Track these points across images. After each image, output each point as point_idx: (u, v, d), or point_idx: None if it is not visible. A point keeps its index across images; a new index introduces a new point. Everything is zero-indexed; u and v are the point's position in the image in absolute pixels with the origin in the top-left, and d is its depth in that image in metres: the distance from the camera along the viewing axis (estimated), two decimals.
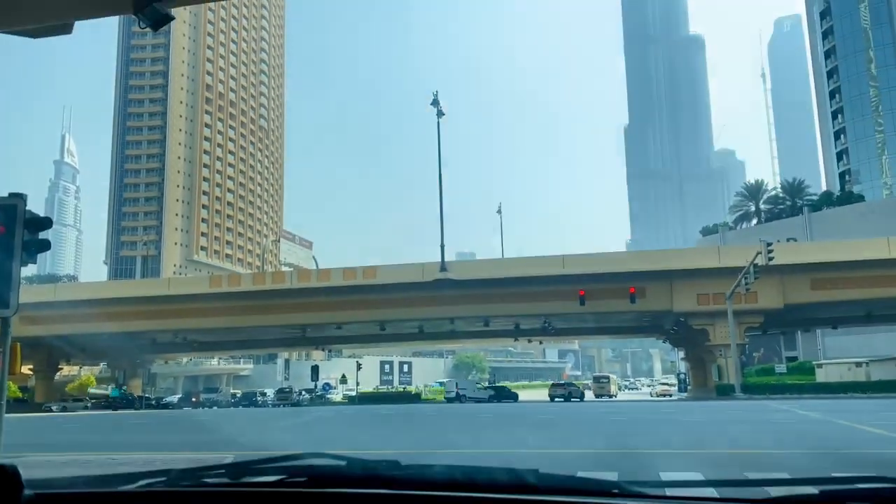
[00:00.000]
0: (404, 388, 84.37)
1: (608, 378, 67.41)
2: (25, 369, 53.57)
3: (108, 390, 70.48)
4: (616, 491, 1.16)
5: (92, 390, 70.16)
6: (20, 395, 57.97)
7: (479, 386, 55.32)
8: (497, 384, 61.09)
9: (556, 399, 51.77)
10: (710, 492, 1.39)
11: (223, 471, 1.20)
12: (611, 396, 60.78)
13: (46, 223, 8.55)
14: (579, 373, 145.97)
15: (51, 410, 50.51)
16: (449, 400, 51.84)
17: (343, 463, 1.20)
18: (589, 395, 59.62)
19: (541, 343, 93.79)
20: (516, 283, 49.09)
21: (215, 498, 1.12)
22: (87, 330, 52.07)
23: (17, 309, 7.84)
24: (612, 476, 10.55)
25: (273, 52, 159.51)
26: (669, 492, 1.36)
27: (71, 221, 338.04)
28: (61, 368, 67.52)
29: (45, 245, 8.53)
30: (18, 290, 7.82)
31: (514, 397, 52.77)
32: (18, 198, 8.02)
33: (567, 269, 48.83)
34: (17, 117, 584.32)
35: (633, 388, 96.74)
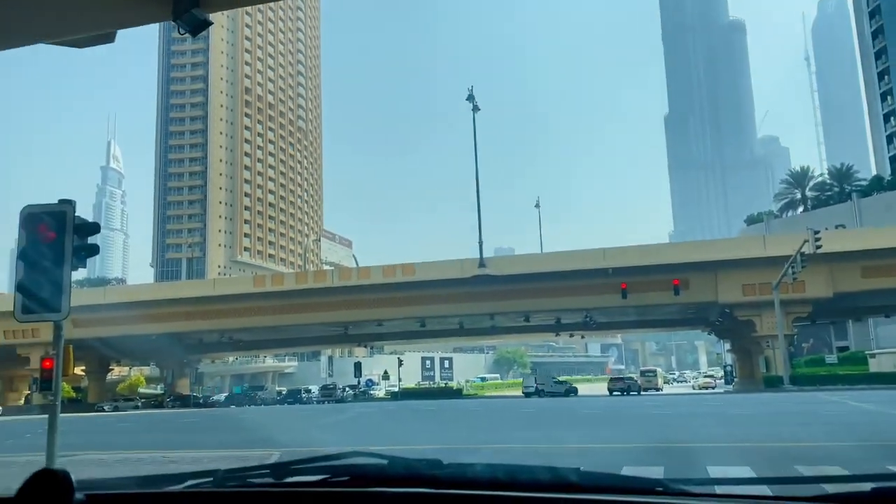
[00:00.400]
0: (446, 384, 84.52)
1: (654, 372, 68.57)
2: (78, 370, 55.18)
3: (159, 389, 72.28)
4: (660, 489, 1.13)
5: (142, 390, 72.02)
6: (74, 395, 59.76)
7: (554, 381, 56.46)
8: (560, 379, 61.76)
9: (615, 392, 52.91)
10: (763, 489, 1.33)
11: (268, 471, 1.22)
12: (657, 390, 60.73)
13: (95, 228, 8.75)
14: (623, 366, 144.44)
15: (103, 410, 51.96)
16: (527, 394, 52.72)
17: (385, 462, 1.21)
18: None
19: (583, 337, 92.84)
20: (556, 278, 48.80)
21: (260, 498, 1.15)
22: (136, 331, 53.43)
23: (68, 313, 8.05)
24: (658, 471, 10.41)
25: (309, 52, 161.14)
26: (718, 489, 1.32)
27: (118, 226, 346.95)
28: (112, 369, 69.38)
29: (94, 250, 8.73)
30: (70, 294, 8.03)
31: (575, 391, 54.46)
32: (67, 204, 8.22)
33: (608, 263, 48.37)
34: (65, 126, 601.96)
35: (682, 381, 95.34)
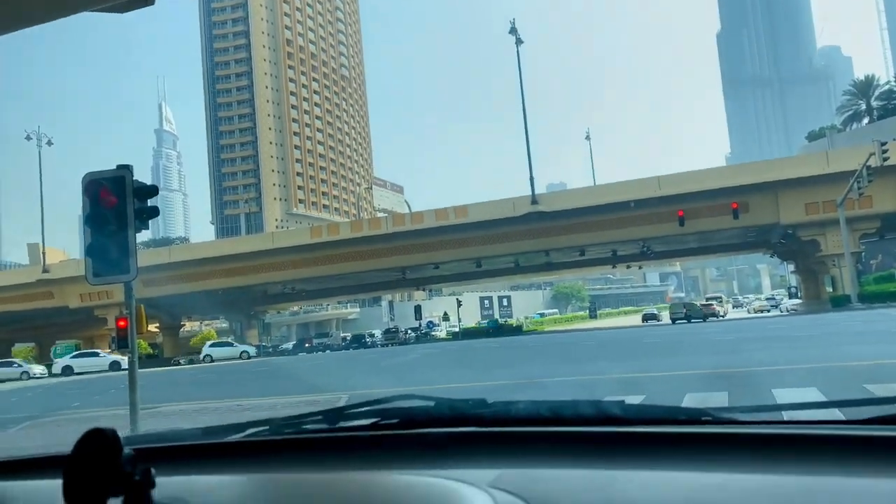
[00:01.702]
0: (505, 322, 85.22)
1: (719, 298, 72.25)
2: (152, 327, 57.67)
3: (230, 340, 75.05)
4: (707, 418, 1.12)
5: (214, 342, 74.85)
6: (151, 351, 62.58)
7: (697, 308, 57.98)
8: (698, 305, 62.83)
9: (710, 319, 54.56)
10: (831, 413, 1.30)
11: (321, 417, 1.29)
12: (721, 316, 60.66)
13: (153, 191, 9.03)
14: (683, 294, 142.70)
15: (179, 363, 54.30)
16: (674, 320, 53.78)
17: (432, 403, 1.26)
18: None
19: (640, 268, 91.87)
20: (610, 210, 48.17)
21: (314, 443, 1.21)
22: (203, 287, 55.36)
23: (137, 273, 8.39)
24: (721, 396, 10.41)
25: None
26: (786, 415, 1.30)
27: (176, 186, 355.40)
28: (184, 325, 72.22)
29: (155, 212, 9.03)
30: (136, 256, 8.35)
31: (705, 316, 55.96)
32: (125, 169, 8.48)
33: (663, 191, 47.39)
34: (117, 93, 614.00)
35: (739, 306, 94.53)
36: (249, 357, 52.46)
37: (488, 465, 0.96)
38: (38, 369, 49.30)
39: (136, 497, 0.77)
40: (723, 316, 58.74)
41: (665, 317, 61.97)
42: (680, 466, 0.92)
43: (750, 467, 0.89)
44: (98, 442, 0.74)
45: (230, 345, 55.74)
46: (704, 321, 51.51)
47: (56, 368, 49.23)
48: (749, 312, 70.08)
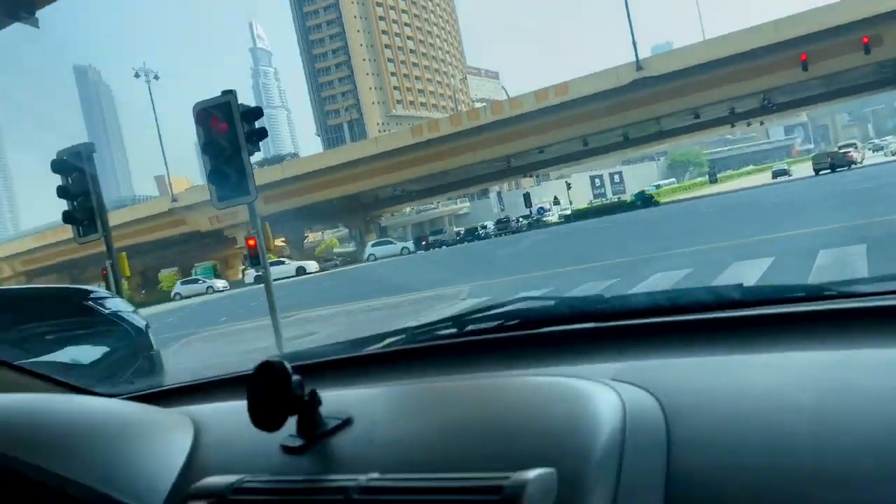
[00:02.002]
0: (618, 199, 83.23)
1: (854, 145, 68.07)
2: (279, 242, 60.87)
3: (351, 247, 78.28)
4: (830, 293, 1.06)
5: (336, 250, 78.43)
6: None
7: (839, 156, 56.17)
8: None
9: (839, 169, 52.19)
10: None
11: (450, 323, 1.35)
12: (859, 163, 57.11)
13: (258, 112, 9.28)
14: (812, 146, 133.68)
15: (305, 272, 57.34)
16: (818, 171, 52.56)
17: (552, 303, 1.30)
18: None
19: (762, 123, 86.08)
20: (723, 65, 45.02)
21: (446, 348, 1.27)
22: (317, 199, 57.51)
23: (256, 194, 8.80)
24: (860, 249, 9.79)
25: None
26: None
27: (278, 102, 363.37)
28: (307, 236, 75.74)
29: (263, 133, 9.30)
30: (253, 177, 8.74)
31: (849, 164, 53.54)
32: (230, 94, 8.75)
33: (781, 35, 43.59)
34: (207, 21, 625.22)
35: (878, 150, 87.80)
36: (410, 252, 56.14)
37: (609, 359, 0.98)
38: (220, 283, 54.11)
39: (307, 415, 0.89)
40: (860, 162, 55.92)
41: (797, 171, 59.12)
42: (801, 346, 0.90)
43: (875, 341, 0.85)
44: (270, 371, 0.85)
45: (391, 243, 59.86)
46: (849, 169, 48.76)
47: (248, 278, 53.18)
48: (887, 156, 65.05)
